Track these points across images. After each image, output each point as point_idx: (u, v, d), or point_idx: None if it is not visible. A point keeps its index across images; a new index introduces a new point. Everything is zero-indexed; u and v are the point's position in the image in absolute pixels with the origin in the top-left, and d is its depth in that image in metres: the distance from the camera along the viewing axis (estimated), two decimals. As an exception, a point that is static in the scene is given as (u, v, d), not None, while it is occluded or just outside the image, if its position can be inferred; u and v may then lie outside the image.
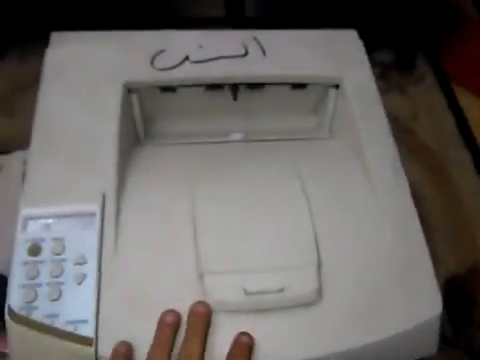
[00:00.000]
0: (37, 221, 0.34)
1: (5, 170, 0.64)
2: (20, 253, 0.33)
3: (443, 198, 0.63)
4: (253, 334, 0.32)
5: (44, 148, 0.38)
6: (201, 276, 0.33)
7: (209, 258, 0.34)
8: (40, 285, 0.32)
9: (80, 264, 0.32)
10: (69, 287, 0.32)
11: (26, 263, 0.32)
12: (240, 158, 0.43)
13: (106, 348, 0.30)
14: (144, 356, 0.30)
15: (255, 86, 0.46)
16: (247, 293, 0.32)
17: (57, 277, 0.32)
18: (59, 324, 0.31)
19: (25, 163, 0.64)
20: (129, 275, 0.33)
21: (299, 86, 0.47)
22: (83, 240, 0.33)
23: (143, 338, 0.31)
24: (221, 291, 0.33)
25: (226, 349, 0.31)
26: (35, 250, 0.33)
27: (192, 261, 0.34)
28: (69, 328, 0.31)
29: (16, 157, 0.64)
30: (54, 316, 0.31)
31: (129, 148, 0.42)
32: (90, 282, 0.32)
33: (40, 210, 0.34)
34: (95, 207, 0.35)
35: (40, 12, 0.69)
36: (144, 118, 0.46)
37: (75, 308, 0.31)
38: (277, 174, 0.40)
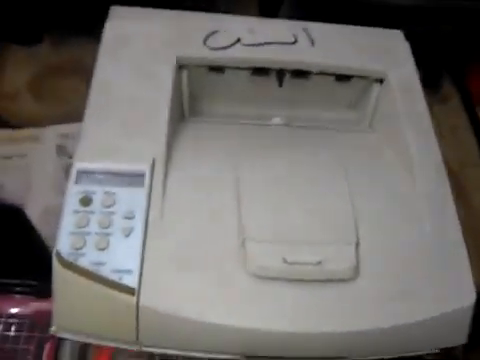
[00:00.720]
0: (90, 175, 0.35)
1: (41, 141, 0.66)
2: (72, 202, 0.34)
3: (463, 218, 0.63)
4: (290, 302, 0.33)
5: (99, 111, 0.39)
6: (243, 242, 0.34)
7: (251, 226, 0.35)
8: (89, 234, 0.33)
9: (128, 218, 0.34)
10: (117, 238, 0.33)
11: (77, 212, 0.34)
12: (282, 141, 0.44)
13: (148, 299, 0.31)
14: (183, 310, 0.31)
15: (300, 74, 0.47)
16: (286, 262, 0.33)
17: (106, 228, 0.33)
18: (104, 272, 0.32)
19: (59, 137, 0.68)
20: (173, 234, 0.34)
21: (343, 78, 0.48)
22: (132, 197, 0.35)
23: (183, 293, 0.32)
24: (261, 258, 0.33)
25: (265, 314, 0.32)
26: (86, 201, 0.34)
27: (235, 228, 0.35)
28: (114, 277, 0.32)
29: (51, 130, 0.67)
30: (100, 264, 0.32)
31: (176, 122, 0.44)
32: (137, 235, 0.33)
33: (93, 165, 0.36)
34: (145, 168, 0.36)
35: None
36: (191, 96, 0.47)
37: (121, 258, 0.32)
38: (318, 158, 0.41)
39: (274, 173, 0.39)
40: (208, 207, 0.36)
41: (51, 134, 0.66)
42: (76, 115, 0.68)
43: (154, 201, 0.35)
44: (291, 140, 0.44)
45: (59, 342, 0.47)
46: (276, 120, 0.47)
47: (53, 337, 0.47)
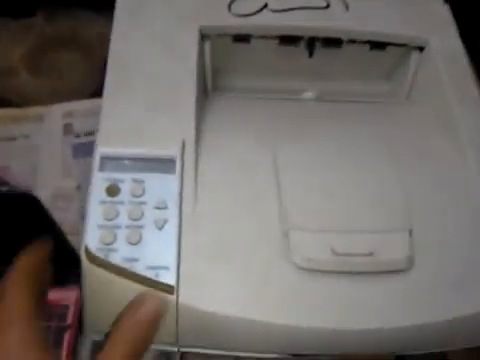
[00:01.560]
0: (115, 161, 0.32)
1: (46, 122, 0.62)
2: (98, 192, 0.31)
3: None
4: (340, 297, 0.30)
5: (119, 88, 0.35)
6: (286, 232, 0.31)
7: (295, 214, 0.32)
8: (119, 227, 0.30)
9: (160, 209, 0.30)
10: (149, 231, 0.30)
11: (104, 203, 0.30)
12: (316, 117, 0.40)
13: (188, 297, 0.29)
14: (225, 307, 0.29)
15: (332, 43, 0.43)
16: (335, 253, 0.30)
17: (137, 220, 0.30)
18: (139, 269, 0.29)
19: (65, 115, 0.64)
20: (210, 225, 0.31)
21: (379, 46, 0.44)
22: (163, 185, 0.31)
23: (224, 289, 0.29)
24: (308, 249, 0.30)
25: (312, 310, 0.30)
26: (114, 190, 0.31)
27: (276, 215, 0.32)
28: (150, 274, 0.29)
29: (56, 109, 0.63)
30: (133, 260, 0.29)
31: (201, 98, 0.40)
32: (171, 228, 0.30)
33: (118, 150, 0.32)
34: (175, 152, 0.33)
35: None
36: (213, 69, 0.43)
37: (156, 253, 0.29)
38: (359, 135, 0.38)
39: (314, 153, 0.36)
40: (245, 193, 0.33)
41: (56, 113, 0.62)
42: (76, 90, 0.65)
43: (187, 189, 0.32)
44: (326, 116, 0.41)
45: (78, 331, 0.45)
46: (307, 94, 0.43)
47: (71, 326, 0.45)
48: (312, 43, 0.43)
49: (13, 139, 0.61)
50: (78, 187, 0.56)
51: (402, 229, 0.32)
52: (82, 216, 0.39)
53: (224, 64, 0.44)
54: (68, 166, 0.58)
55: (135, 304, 0.27)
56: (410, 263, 0.31)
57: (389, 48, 0.44)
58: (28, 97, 0.63)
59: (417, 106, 0.43)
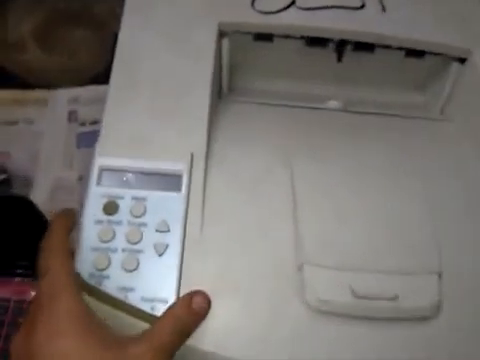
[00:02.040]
0: (115, 174, 0.29)
1: (50, 106, 0.59)
2: (93, 209, 0.27)
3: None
4: (356, 344, 0.27)
5: (125, 90, 0.32)
6: (301, 266, 0.28)
7: (311, 245, 0.28)
8: (115, 251, 0.27)
9: (162, 232, 0.27)
10: (148, 257, 0.27)
11: (100, 222, 0.27)
12: (341, 130, 0.37)
13: (187, 336, 0.26)
14: (228, 349, 0.26)
15: (364, 48, 0.39)
16: (354, 295, 0.27)
17: (135, 244, 0.27)
18: (134, 300, 0.26)
19: (70, 101, 0.60)
20: (216, 253, 0.28)
21: (416, 54, 0.39)
22: (167, 204, 0.28)
23: (228, 328, 0.26)
24: (324, 288, 0.27)
25: (325, 357, 0.26)
26: (112, 208, 0.27)
27: (290, 246, 0.29)
28: (145, 306, 0.26)
29: (61, 94, 0.60)
30: (128, 290, 0.26)
31: (215, 103, 0.36)
32: (173, 254, 0.27)
33: (119, 162, 0.29)
34: (182, 167, 0.29)
35: None
36: (231, 68, 0.39)
37: (153, 283, 0.26)
38: (387, 155, 0.34)
39: (336, 175, 0.32)
40: (257, 218, 0.29)
41: (61, 97, 0.59)
42: (85, 69, 0.61)
43: (193, 210, 0.28)
44: (351, 130, 0.37)
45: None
46: (332, 103, 0.39)
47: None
48: (342, 46, 0.39)
49: (15, 123, 0.57)
50: (80, 178, 0.53)
51: (431, 271, 0.29)
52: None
53: (242, 64, 0.40)
54: (71, 156, 0.55)
55: (186, 298, 0.26)
56: (437, 310, 0.28)
57: (427, 57, 0.39)
58: (35, 73, 0.60)
59: (453, 124, 0.39)
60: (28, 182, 0.52)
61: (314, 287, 0.27)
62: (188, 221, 0.28)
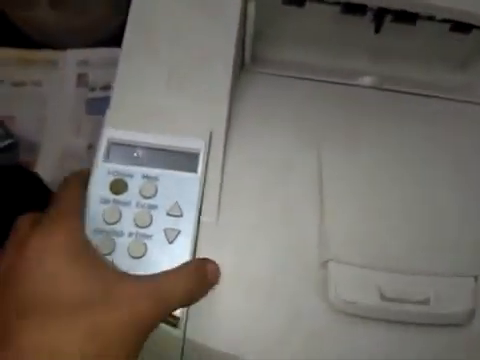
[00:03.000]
0: (125, 149, 0.26)
1: (59, 67, 0.56)
2: (100, 187, 0.25)
3: None
4: (382, 350, 0.24)
5: (139, 55, 0.28)
6: (325, 263, 0.25)
7: (337, 241, 0.26)
8: (121, 234, 0.24)
9: (174, 216, 0.24)
10: (157, 244, 0.24)
11: (106, 201, 0.25)
12: (374, 111, 0.33)
13: (196, 333, 0.23)
14: (242, 349, 0.23)
15: (406, 18, 0.35)
16: (383, 297, 0.25)
17: (143, 228, 0.24)
18: None
19: (80, 63, 0.57)
20: (232, 243, 0.25)
21: (462, 28, 0.35)
22: (181, 186, 0.25)
23: (243, 327, 0.24)
24: (350, 288, 0.25)
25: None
26: (119, 186, 0.25)
27: (314, 239, 0.26)
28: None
29: (70, 55, 0.56)
30: None
31: (237, 74, 0.33)
32: (184, 242, 0.24)
33: (130, 135, 0.26)
34: (199, 146, 0.26)
35: None
36: (256, 36, 0.36)
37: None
38: (424, 143, 0.31)
39: (368, 162, 0.29)
40: (279, 206, 0.27)
41: (70, 59, 0.56)
42: (99, 30, 0.58)
43: (209, 194, 0.26)
44: (386, 110, 0.33)
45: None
46: (366, 80, 0.35)
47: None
48: (381, 15, 0.35)
49: (22, 85, 0.54)
50: (90, 147, 0.50)
51: (467, 273, 0.26)
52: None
53: (268, 31, 0.36)
54: (79, 123, 0.52)
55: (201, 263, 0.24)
56: (471, 316, 0.26)
57: (474, 32, 0.35)
58: (45, 32, 0.56)
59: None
60: (35, 148, 0.50)
61: (339, 286, 0.25)
62: (204, 206, 0.25)
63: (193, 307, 0.23)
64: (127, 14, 0.31)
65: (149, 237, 0.24)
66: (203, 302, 0.24)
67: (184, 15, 0.30)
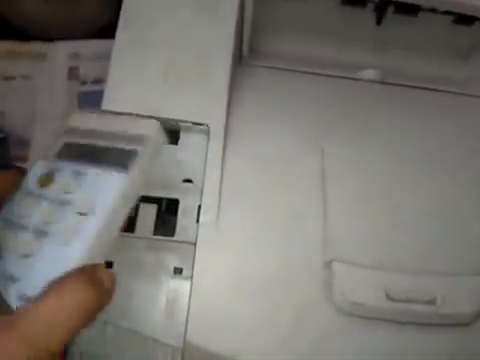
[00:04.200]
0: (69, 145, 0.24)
1: (49, 60, 0.54)
2: (31, 179, 0.23)
3: None
4: (388, 351, 0.24)
5: (132, 48, 0.27)
6: (329, 263, 0.24)
7: (342, 240, 0.25)
8: (25, 229, 0.21)
9: (83, 216, 0.21)
10: (51, 243, 0.20)
11: (29, 194, 0.22)
12: (378, 105, 0.32)
13: (198, 335, 0.22)
14: (243, 354, 0.23)
15: (408, 10, 0.34)
16: (389, 298, 0.24)
17: (48, 224, 0.21)
18: (10, 293, 0.20)
19: (71, 56, 0.55)
20: (232, 244, 0.24)
21: (465, 20, 0.34)
22: (105, 184, 0.22)
23: (244, 331, 0.23)
24: (355, 289, 0.24)
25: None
26: (47, 180, 0.22)
27: (317, 239, 0.25)
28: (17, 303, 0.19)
29: (61, 47, 0.54)
30: (11, 279, 0.20)
31: (234, 67, 0.32)
32: (80, 246, 0.20)
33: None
34: (150, 133, 0.24)
35: None
36: (254, 29, 0.35)
37: (43, 277, 0.19)
38: (430, 138, 0.30)
39: (372, 159, 0.28)
40: (281, 205, 0.26)
41: (61, 52, 0.54)
42: (90, 21, 0.56)
43: (208, 194, 0.25)
44: (389, 105, 0.32)
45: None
46: (368, 73, 0.34)
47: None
48: (383, 7, 0.34)
49: (11, 78, 0.53)
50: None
51: (473, 273, 0.25)
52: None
53: (267, 23, 0.35)
54: (71, 117, 0.50)
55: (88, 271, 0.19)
56: (479, 316, 0.25)
57: (477, 24, 0.35)
58: (34, 23, 0.54)
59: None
60: (26, 142, 0.49)
61: (343, 287, 0.24)
62: (203, 206, 0.24)
63: (194, 310, 0.23)
64: (120, 6, 0.29)
65: (45, 234, 0.21)
66: (204, 305, 0.23)
67: (180, 7, 0.29)
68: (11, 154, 0.48)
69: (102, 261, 0.20)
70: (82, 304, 0.18)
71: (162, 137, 0.23)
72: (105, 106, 0.26)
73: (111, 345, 0.24)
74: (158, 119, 0.23)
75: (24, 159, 0.47)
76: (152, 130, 0.22)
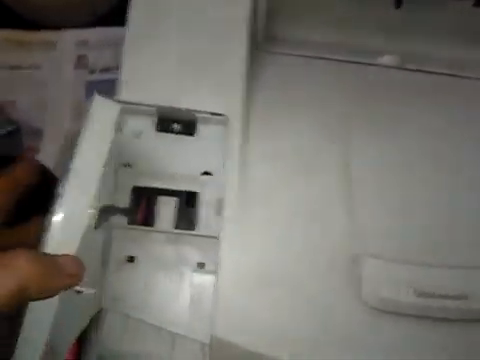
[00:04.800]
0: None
1: (58, 49, 0.53)
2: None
3: None
4: (419, 347, 0.23)
5: (147, 34, 0.26)
6: (357, 258, 0.24)
7: (369, 235, 0.24)
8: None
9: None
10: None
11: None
12: (400, 93, 0.31)
13: (225, 330, 0.22)
14: (270, 348, 0.22)
15: (430, -8, 0.33)
16: (418, 293, 0.23)
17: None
18: None
19: (79, 44, 0.54)
20: (256, 238, 0.24)
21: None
22: None
23: (270, 326, 0.23)
24: (384, 284, 0.23)
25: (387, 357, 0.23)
26: None
27: (344, 233, 0.24)
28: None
29: (69, 36, 0.53)
30: None
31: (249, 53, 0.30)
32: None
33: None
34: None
35: None
36: (268, 12, 0.33)
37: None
38: (459, 127, 0.29)
39: (399, 149, 0.27)
40: (306, 198, 0.25)
41: (69, 40, 0.53)
42: (99, 6, 0.55)
43: (229, 185, 0.24)
44: (413, 92, 0.31)
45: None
46: (386, 59, 0.33)
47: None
48: (403, -10, 0.33)
49: (19, 68, 0.52)
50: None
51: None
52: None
53: (282, 8, 0.34)
54: (80, 107, 0.50)
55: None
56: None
57: (503, 5, 0.33)
58: (41, 11, 0.53)
59: None
60: (38, 133, 0.48)
61: (371, 282, 0.23)
62: (225, 200, 0.24)
63: (219, 305, 0.22)
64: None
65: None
66: (231, 301, 0.22)
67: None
68: (24, 145, 0.47)
69: None
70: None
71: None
72: (120, 96, 0.25)
73: (132, 340, 0.23)
74: (176, 109, 0.22)
75: (36, 150, 0.47)
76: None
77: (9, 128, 0.48)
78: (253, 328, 0.22)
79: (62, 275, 0.18)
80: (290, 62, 0.32)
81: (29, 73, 0.52)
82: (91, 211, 0.20)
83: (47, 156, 0.46)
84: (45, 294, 0.18)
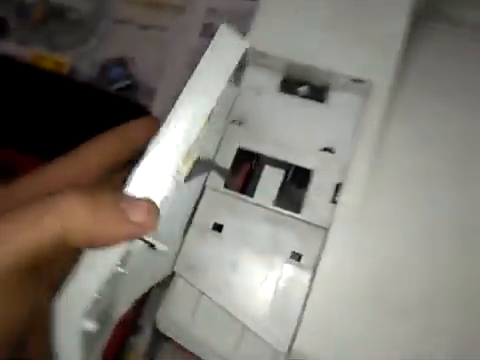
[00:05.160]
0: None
1: (187, 14, 0.52)
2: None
3: None
4: None
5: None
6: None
7: None
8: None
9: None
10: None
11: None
12: None
13: (307, 347, 0.17)
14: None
15: None
16: None
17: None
18: None
19: (208, 11, 0.53)
20: (372, 241, 0.19)
21: None
22: None
23: (377, 347, 0.17)
24: None
25: None
26: None
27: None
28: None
29: (200, 2, 0.52)
30: None
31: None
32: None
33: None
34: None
35: None
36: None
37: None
38: None
39: None
40: (451, 205, 0.19)
41: (199, 6, 0.52)
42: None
43: (355, 168, 0.19)
44: None
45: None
46: None
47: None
48: None
49: (147, 28, 0.52)
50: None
51: None
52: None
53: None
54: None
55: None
56: None
57: None
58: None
59: None
60: (152, 92, 0.48)
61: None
62: (345, 184, 0.19)
63: (310, 311, 0.17)
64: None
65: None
66: (325, 312, 0.17)
67: None
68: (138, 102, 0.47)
69: None
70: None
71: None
72: (250, 43, 0.21)
73: (201, 319, 0.20)
74: (311, 68, 0.18)
75: (148, 109, 0.47)
76: None
77: (127, 82, 0.48)
78: (350, 350, 0.17)
79: (123, 221, 0.15)
80: (454, 41, 0.26)
81: (154, 34, 0.52)
82: (185, 158, 0.17)
83: (157, 116, 0.45)
84: (98, 242, 0.15)
